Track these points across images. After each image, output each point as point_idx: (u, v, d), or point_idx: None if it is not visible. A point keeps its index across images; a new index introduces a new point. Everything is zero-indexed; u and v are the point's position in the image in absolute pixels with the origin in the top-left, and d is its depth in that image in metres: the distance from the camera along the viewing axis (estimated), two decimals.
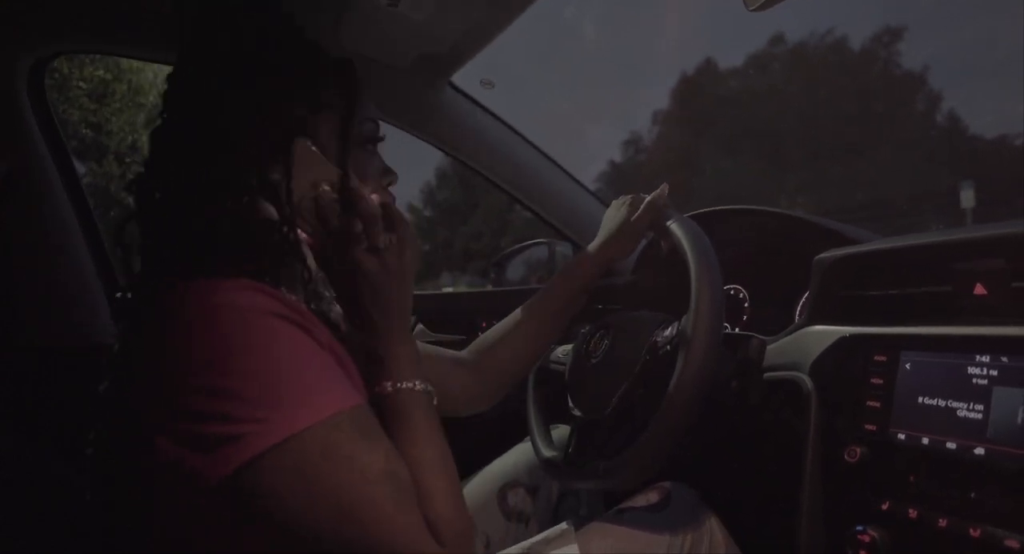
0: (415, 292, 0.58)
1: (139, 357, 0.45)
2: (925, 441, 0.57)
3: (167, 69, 0.55)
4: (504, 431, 0.99)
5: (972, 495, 0.53)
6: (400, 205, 0.60)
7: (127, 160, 8.48)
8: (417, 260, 0.58)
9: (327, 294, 0.58)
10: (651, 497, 0.76)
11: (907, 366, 0.61)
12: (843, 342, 0.67)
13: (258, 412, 0.39)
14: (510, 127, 1.25)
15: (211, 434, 0.39)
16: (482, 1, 0.84)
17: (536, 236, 1.37)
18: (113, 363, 0.48)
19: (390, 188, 0.61)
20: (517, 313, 0.84)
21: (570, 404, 0.78)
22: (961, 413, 0.56)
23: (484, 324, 1.24)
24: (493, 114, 1.22)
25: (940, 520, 0.54)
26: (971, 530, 0.51)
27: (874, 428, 0.61)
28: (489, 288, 1.49)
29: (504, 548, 0.70)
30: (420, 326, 1.23)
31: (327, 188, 0.54)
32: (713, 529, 0.72)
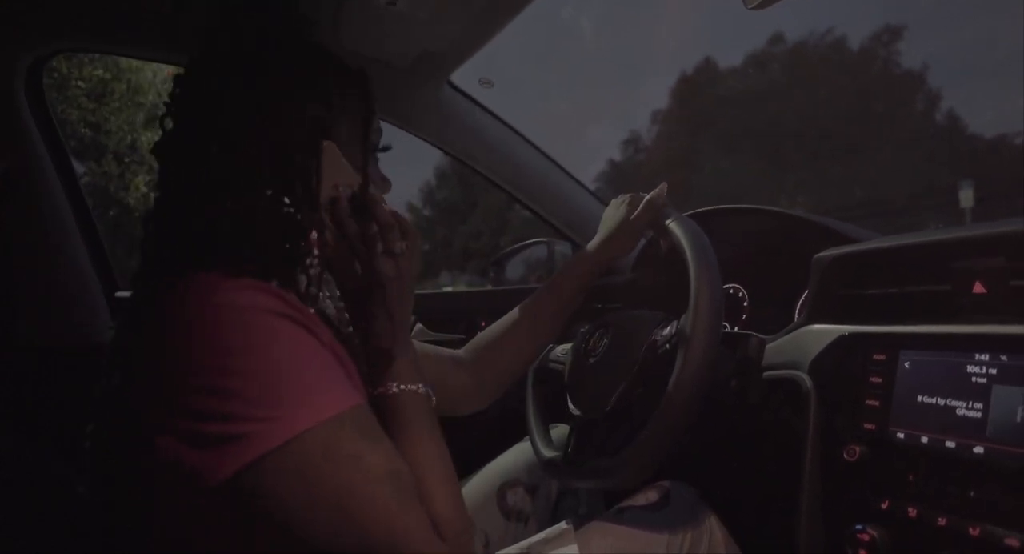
0: (415, 292, 0.59)
1: (140, 356, 0.45)
2: (924, 440, 0.57)
3: (166, 69, 0.55)
4: (503, 430, 0.98)
5: (971, 494, 0.53)
6: (399, 204, 0.60)
7: (126, 159, 8.47)
8: (419, 266, 0.59)
9: (330, 295, 0.58)
10: (650, 496, 0.76)
11: (906, 365, 0.61)
12: (842, 341, 0.67)
13: (259, 411, 0.39)
14: (509, 126, 1.25)
15: (211, 433, 0.39)
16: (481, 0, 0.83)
17: (535, 235, 1.37)
18: (110, 361, 0.47)
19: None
20: (515, 312, 0.85)
21: (569, 403, 0.78)
22: (960, 412, 0.56)
23: (483, 323, 1.24)
24: (492, 113, 1.22)
25: (939, 519, 0.54)
26: (970, 529, 0.51)
27: (873, 427, 0.61)
28: (488, 287, 1.49)
29: (503, 547, 0.70)
30: (419, 325, 1.23)
31: (345, 192, 0.55)
32: (713, 528, 0.72)
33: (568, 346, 0.88)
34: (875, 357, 0.64)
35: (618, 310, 0.84)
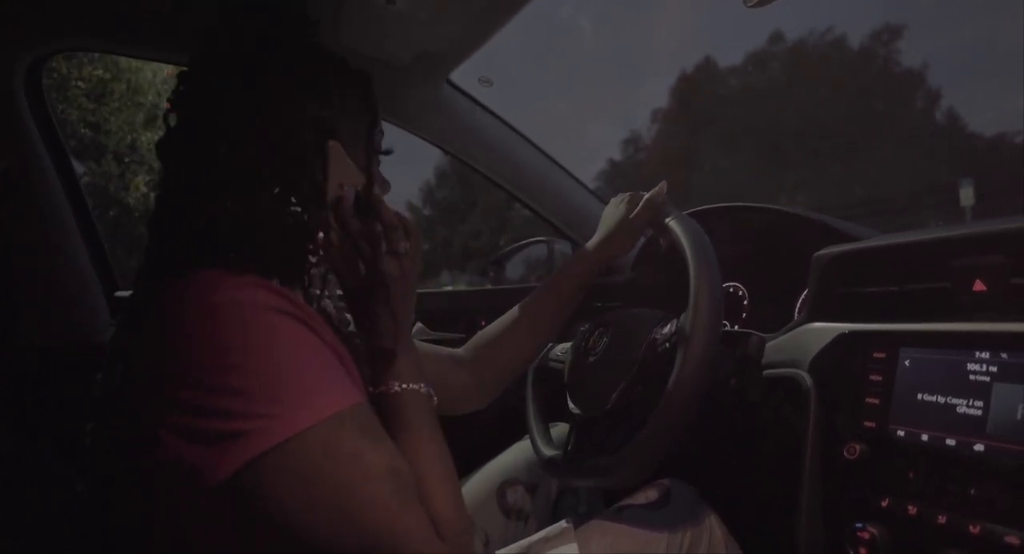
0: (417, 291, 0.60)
1: (140, 354, 0.45)
2: (924, 438, 0.57)
3: (166, 69, 0.55)
4: (503, 429, 0.98)
5: (972, 491, 0.53)
6: (399, 204, 0.61)
7: (126, 159, 8.47)
8: (420, 265, 0.59)
9: (330, 294, 0.58)
10: (650, 495, 0.76)
11: (906, 363, 0.61)
12: (842, 339, 0.67)
13: (259, 409, 0.39)
14: (509, 125, 1.25)
15: (212, 431, 0.39)
16: None
17: (535, 234, 1.37)
18: (110, 360, 0.47)
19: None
20: (515, 311, 0.85)
21: (569, 402, 0.78)
22: (961, 409, 0.55)
23: (483, 322, 1.24)
24: (492, 112, 1.22)
25: (939, 517, 0.54)
26: (971, 526, 0.51)
27: (873, 425, 0.61)
28: (488, 286, 1.49)
29: (503, 546, 0.70)
30: (419, 324, 1.23)
31: (349, 191, 0.56)
32: (713, 526, 0.72)
33: (568, 345, 0.88)
34: (875, 355, 0.64)
35: (618, 309, 0.84)
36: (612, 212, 0.86)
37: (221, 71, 0.52)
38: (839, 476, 0.63)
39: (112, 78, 8.10)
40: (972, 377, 0.56)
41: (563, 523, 0.69)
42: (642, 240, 1.10)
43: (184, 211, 0.50)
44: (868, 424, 0.62)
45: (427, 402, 0.55)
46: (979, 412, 0.54)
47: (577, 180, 1.34)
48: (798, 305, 0.91)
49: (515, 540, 0.71)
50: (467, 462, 0.89)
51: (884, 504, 0.58)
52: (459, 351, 0.84)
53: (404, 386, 0.54)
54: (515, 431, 0.94)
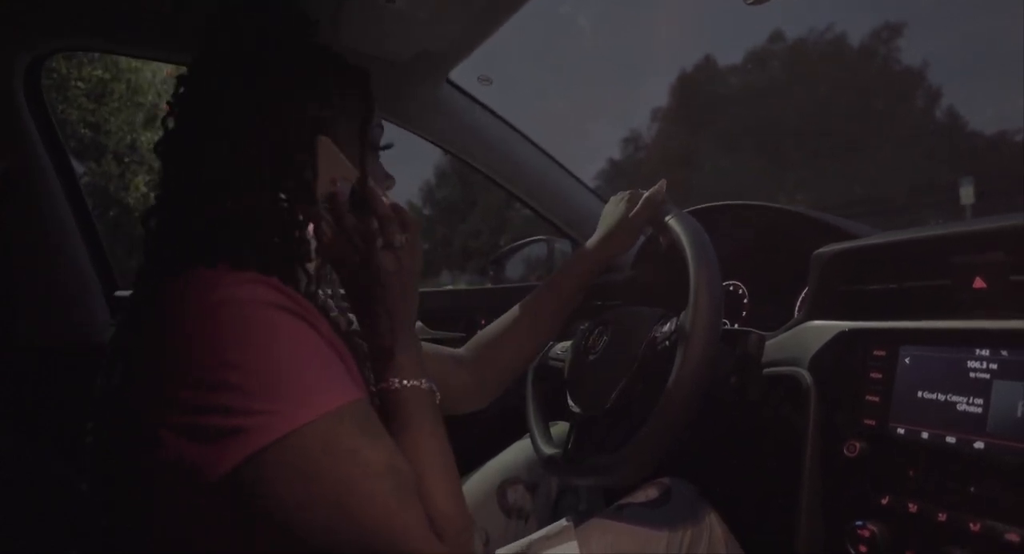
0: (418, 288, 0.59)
1: (140, 352, 0.45)
2: (925, 435, 0.57)
3: (166, 69, 0.56)
4: (503, 428, 0.98)
5: (972, 489, 0.53)
6: (399, 203, 0.61)
7: (126, 159, 8.48)
8: (420, 261, 0.59)
9: (331, 291, 0.58)
10: (650, 493, 0.76)
11: (906, 360, 0.61)
12: (842, 337, 0.67)
13: (258, 405, 0.39)
14: (508, 124, 1.24)
15: (211, 427, 0.39)
16: None
17: (535, 233, 1.36)
18: (110, 360, 0.48)
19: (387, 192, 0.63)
20: (515, 310, 0.85)
21: (569, 400, 0.78)
22: (961, 407, 0.55)
23: (483, 321, 1.24)
24: (491, 111, 1.22)
25: (940, 514, 0.54)
26: (971, 524, 0.51)
27: (873, 423, 0.61)
28: (488, 285, 1.49)
29: (504, 545, 0.70)
30: (419, 323, 1.23)
31: (344, 186, 0.55)
32: (713, 525, 0.72)
33: (568, 343, 0.88)
34: (875, 353, 0.64)
35: (618, 307, 0.84)
36: (612, 211, 0.86)
37: (221, 71, 0.52)
38: (839, 474, 0.63)
39: (112, 78, 8.10)
40: (972, 374, 0.56)
41: (563, 522, 0.69)
42: (642, 238, 1.10)
43: (184, 211, 0.50)
44: (868, 422, 0.62)
45: (429, 398, 0.54)
46: (979, 409, 0.54)
47: (577, 179, 1.34)
48: (798, 303, 0.91)
49: (515, 539, 0.71)
50: (467, 461, 0.89)
51: (884, 502, 0.58)
52: (460, 351, 0.84)
53: (405, 382, 0.53)
54: (515, 430, 0.94)
